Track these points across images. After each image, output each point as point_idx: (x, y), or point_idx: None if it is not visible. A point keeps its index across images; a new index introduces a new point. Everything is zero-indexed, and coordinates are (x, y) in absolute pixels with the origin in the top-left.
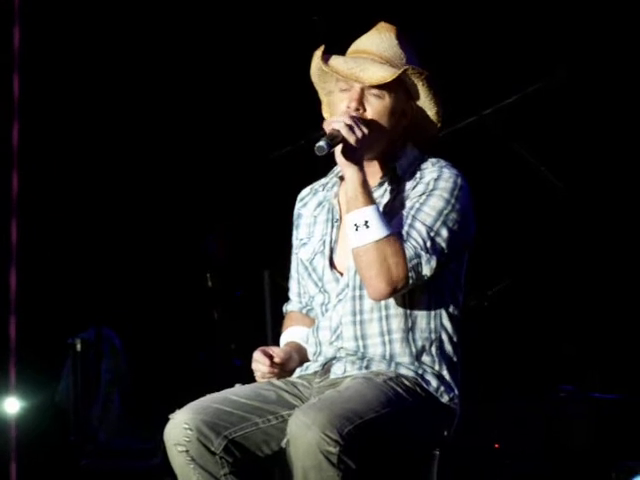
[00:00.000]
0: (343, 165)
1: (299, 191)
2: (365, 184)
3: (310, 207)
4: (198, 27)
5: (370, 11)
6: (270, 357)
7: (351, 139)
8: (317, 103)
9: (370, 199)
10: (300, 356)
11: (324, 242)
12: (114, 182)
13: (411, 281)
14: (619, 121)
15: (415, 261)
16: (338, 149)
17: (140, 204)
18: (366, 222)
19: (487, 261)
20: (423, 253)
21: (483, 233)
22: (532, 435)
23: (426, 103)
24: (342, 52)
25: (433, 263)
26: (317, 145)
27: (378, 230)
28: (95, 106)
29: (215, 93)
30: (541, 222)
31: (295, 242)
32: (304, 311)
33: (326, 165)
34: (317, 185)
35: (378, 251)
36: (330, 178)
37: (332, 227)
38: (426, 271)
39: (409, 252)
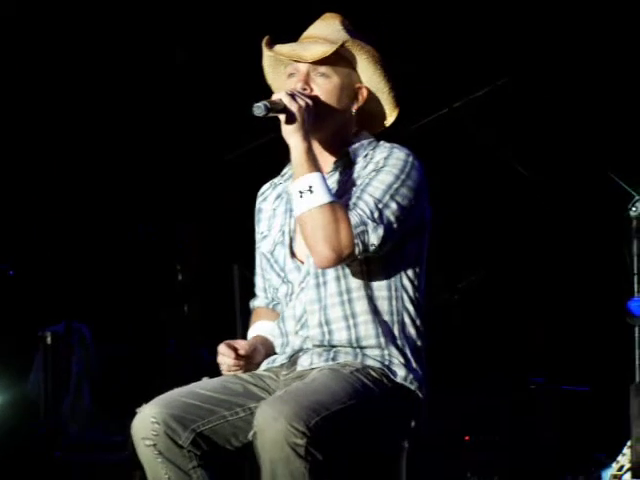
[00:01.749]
0: (286, 134)
1: None
2: (310, 152)
3: (270, 201)
4: (162, 25)
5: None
6: (235, 350)
7: (293, 107)
8: None
9: (315, 166)
10: (266, 349)
11: (283, 232)
12: (83, 174)
13: (357, 249)
14: (588, 113)
15: (361, 228)
16: (283, 119)
17: (110, 197)
18: (310, 187)
19: (458, 253)
20: (369, 222)
21: (453, 224)
22: (502, 427)
23: (375, 80)
24: None
25: (380, 232)
26: (255, 105)
27: (322, 195)
28: (55, 102)
29: (185, 89)
30: (512, 214)
31: (257, 237)
32: (270, 306)
33: None
34: (277, 179)
35: (323, 215)
36: (288, 169)
37: (290, 217)
38: (373, 240)
39: (354, 219)
